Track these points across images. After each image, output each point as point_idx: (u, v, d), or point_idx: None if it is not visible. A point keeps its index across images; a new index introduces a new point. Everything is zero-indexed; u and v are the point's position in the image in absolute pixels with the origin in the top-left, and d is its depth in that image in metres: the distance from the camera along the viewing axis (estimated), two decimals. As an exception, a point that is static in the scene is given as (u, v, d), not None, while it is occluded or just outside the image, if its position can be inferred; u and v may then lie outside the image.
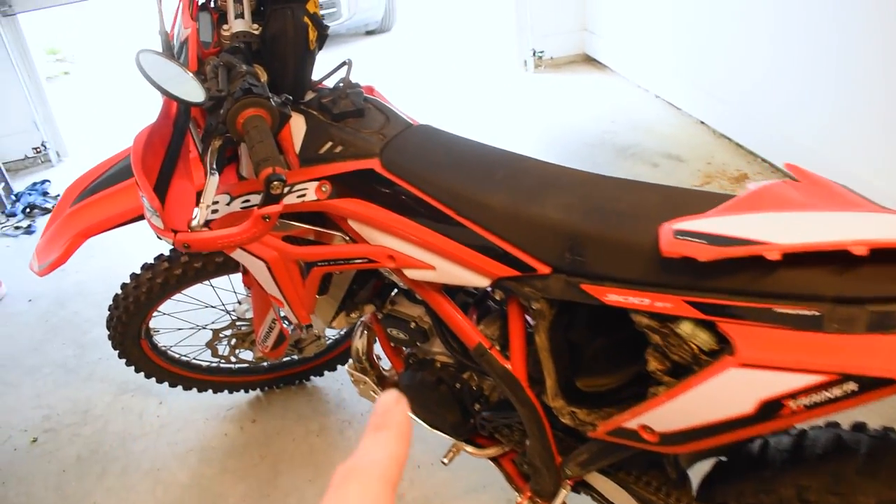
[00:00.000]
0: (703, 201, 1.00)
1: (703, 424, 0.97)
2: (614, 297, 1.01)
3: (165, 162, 1.09)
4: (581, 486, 1.41)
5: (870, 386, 0.81)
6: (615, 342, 1.22)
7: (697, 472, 1.29)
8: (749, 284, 0.88)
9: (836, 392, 0.83)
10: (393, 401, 0.37)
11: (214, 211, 1.30)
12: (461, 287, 1.39)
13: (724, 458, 1.28)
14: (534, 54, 4.85)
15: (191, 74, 1.01)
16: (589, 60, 4.97)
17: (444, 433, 1.53)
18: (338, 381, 2.37)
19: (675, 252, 0.89)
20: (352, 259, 1.27)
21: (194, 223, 1.04)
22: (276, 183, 0.93)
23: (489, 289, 1.23)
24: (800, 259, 0.83)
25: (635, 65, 4.48)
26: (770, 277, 0.87)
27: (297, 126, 1.29)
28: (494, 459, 1.54)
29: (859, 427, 1.12)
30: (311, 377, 2.36)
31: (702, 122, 3.91)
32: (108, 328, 1.97)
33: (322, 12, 4.81)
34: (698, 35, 3.81)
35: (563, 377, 1.21)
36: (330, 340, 2.21)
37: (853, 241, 0.80)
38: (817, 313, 0.84)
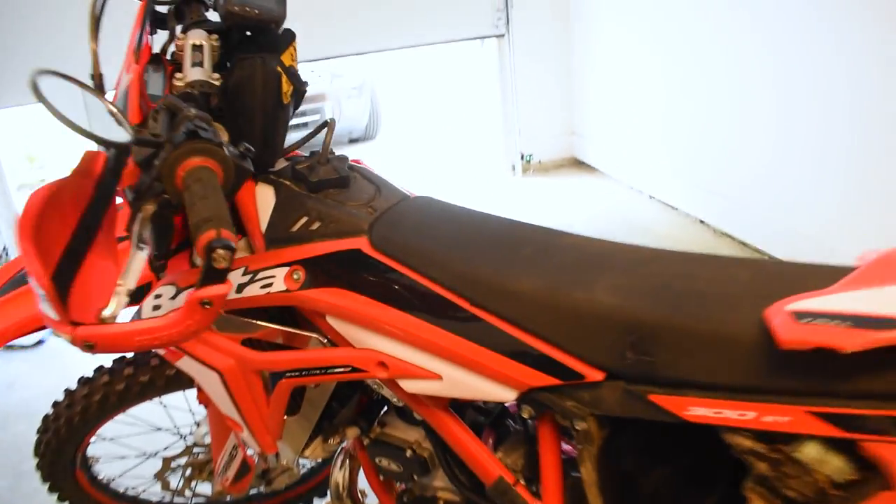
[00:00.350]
0: (811, 277, 0.74)
1: None
2: (700, 410, 0.72)
3: (78, 233, 0.82)
4: None
5: None
6: (687, 466, 0.92)
7: None
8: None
9: None
10: None
11: (157, 307, 1.01)
12: (472, 403, 1.10)
13: None
14: (522, 158, 4.77)
15: (114, 108, 0.75)
16: (578, 164, 4.89)
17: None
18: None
19: (802, 341, 0.62)
20: (331, 368, 0.99)
21: (106, 313, 0.75)
22: (220, 252, 0.66)
23: (514, 404, 0.94)
24: None
25: (626, 166, 4.40)
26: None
27: (265, 199, 1.03)
28: None
29: None
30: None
31: (701, 221, 3.78)
32: (36, 455, 1.65)
33: (306, 119, 4.65)
34: (691, 132, 3.75)
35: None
36: (305, 469, 1.88)
37: None
38: None
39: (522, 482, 0.98)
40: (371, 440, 1.19)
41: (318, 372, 1.01)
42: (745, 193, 3.42)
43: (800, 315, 0.64)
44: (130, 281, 0.76)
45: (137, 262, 0.77)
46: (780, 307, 0.67)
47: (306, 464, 1.89)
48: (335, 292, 0.96)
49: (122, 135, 0.74)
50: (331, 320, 0.99)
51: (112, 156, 0.83)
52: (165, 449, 1.79)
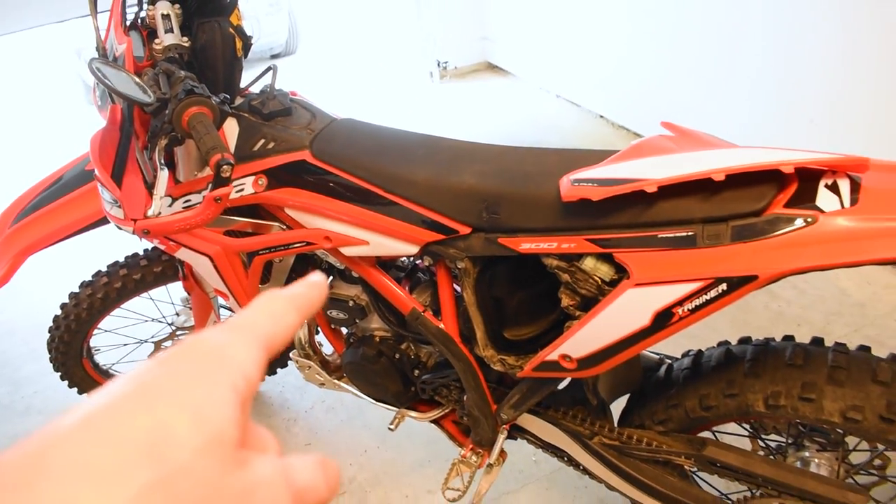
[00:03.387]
0: (593, 157, 1.17)
1: (611, 343, 1.14)
2: (527, 245, 1.16)
3: (116, 163, 1.19)
4: (516, 431, 1.56)
5: (737, 284, 0.99)
6: (534, 294, 1.37)
7: (617, 408, 1.47)
8: (636, 217, 1.05)
9: (712, 294, 1.01)
10: (319, 276, 0.42)
11: (158, 213, 1.40)
12: (393, 263, 1.52)
13: (636, 390, 1.45)
14: (438, 65, 5.04)
15: (137, 79, 1.11)
16: (492, 68, 5.20)
17: (389, 403, 1.66)
18: (279, 385, 2.46)
19: (573, 196, 1.06)
20: (291, 244, 1.39)
21: (150, 212, 1.14)
22: (225, 167, 1.05)
23: (418, 258, 1.36)
24: (673, 191, 1.01)
25: (535, 68, 4.72)
26: (652, 209, 1.04)
27: (230, 128, 1.41)
28: (436, 422, 1.68)
29: (745, 340, 1.31)
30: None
31: (601, 116, 4.17)
32: (49, 350, 2.00)
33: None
34: (591, 35, 4.06)
35: (490, 329, 1.35)
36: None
37: (713, 170, 0.98)
38: (691, 233, 1.01)
39: (429, 311, 1.42)
40: (323, 299, 1.61)
41: (281, 248, 1.41)
42: (637, 90, 3.79)
43: (574, 181, 1.08)
44: (161, 190, 1.14)
45: (163, 178, 1.15)
46: (567, 176, 1.10)
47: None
48: (290, 191, 1.36)
49: (145, 95, 1.10)
50: (288, 211, 1.39)
51: (126, 108, 1.19)
52: (154, 336, 2.17)
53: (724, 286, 1.00)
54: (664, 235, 1.03)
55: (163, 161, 1.16)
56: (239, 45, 1.41)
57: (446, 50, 5.05)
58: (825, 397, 1.15)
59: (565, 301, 1.19)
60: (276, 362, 2.35)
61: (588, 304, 1.18)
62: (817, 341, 1.25)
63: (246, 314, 0.37)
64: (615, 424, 1.42)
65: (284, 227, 1.43)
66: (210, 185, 1.10)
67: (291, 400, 2.39)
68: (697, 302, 1.03)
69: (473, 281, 1.29)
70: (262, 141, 1.37)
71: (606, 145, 3.85)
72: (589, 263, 1.13)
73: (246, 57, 1.47)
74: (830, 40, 2.62)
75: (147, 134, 1.17)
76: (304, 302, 0.40)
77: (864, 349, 1.22)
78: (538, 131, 4.15)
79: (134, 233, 1.16)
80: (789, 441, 1.42)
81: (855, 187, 0.97)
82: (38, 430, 0.27)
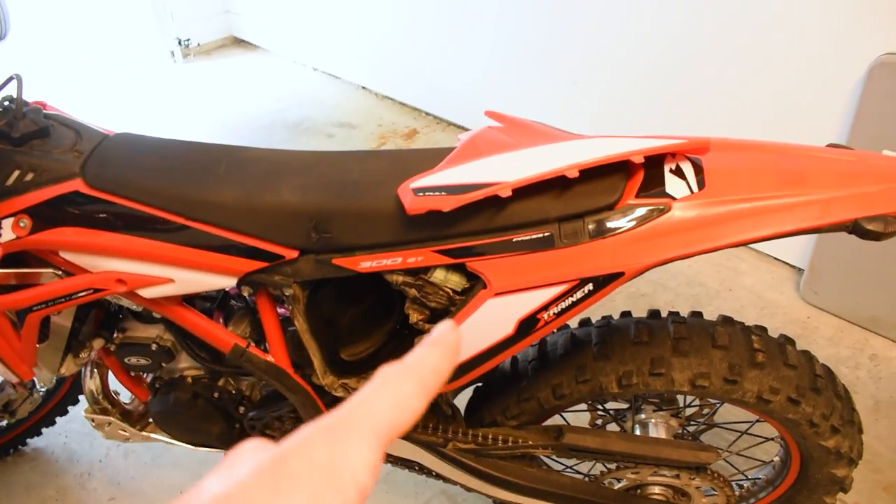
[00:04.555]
0: (426, 159, 1.08)
1: (474, 355, 1.07)
2: (367, 263, 1.05)
3: None
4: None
5: (603, 282, 0.96)
6: (366, 306, 1.26)
7: (461, 402, 1.41)
8: (487, 223, 0.98)
9: (579, 295, 0.97)
10: (449, 327, 0.38)
11: None
12: (198, 294, 1.33)
13: (480, 384, 1.41)
14: (179, 43, 4.62)
15: None
16: (239, 42, 4.86)
17: (213, 447, 1.47)
18: (61, 435, 2.11)
19: (420, 208, 0.95)
20: (74, 294, 1.15)
21: None
22: None
23: (234, 287, 1.19)
24: (525, 191, 0.94)
25: (287, 41, 4.49)
26: (504, 213, 0.97)
27: (-33, 159, 1.12)
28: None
29: (585, 322, 1.30)
30: (27, 441, 2.06)
31: (363, 87, 4.07)
32: None
33: None
34: (347, 5, 3.90)
35: (327, 354, 1.22)
36: (42, 392, 1.94)
37: (566, 166, 0.92)
38: (548, 234, 0.96)
39: (253, 344, 1.25)
40: (116, 345, 1.37)
41: (62, 300, 1.16)
42: (399, 59, 3.73)
43: (416, 190, 0.97)
44: None
45: None
46: (406, 186, 0.99)
47: (41, 389, 1.95)
48: (63, 231, 1.11)
49: None
50: (64, 255, 1.14)
51: None
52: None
53: (590, 286, 0.96)
54: (519, 239, 0.97)
55: None
56: None
57: (186, 26, 4.63)
58: (673, 369, 1.17)
59: (414, 317, 1.10)
60: (39, 423, 2.01)
61: (438, 315, 1.10)
62: (654, 314, 1.27)
63: (364, 400, 0.33)
64: (465, 427, 1.36)
65: (60, 273, 1.17)
66: None
67: (80, 451, 2.05)
68: (563, 305, 0.98)
69: (303, 307, 1.15)
70: (17, 172, 1.10)
71: (372, 117, 3.78)
72: (439, 275, 1.05)
73: None
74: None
75: None
76: (435, 378, 0.35)
77: (697, 315, 1.26)
78: (301, 108, 3.96)
79: None
80: (627, 407, 1.46)
81: (698, 169, 0.97)
82: None
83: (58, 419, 2.03)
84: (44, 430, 2.05)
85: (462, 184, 0.96)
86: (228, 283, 1.13)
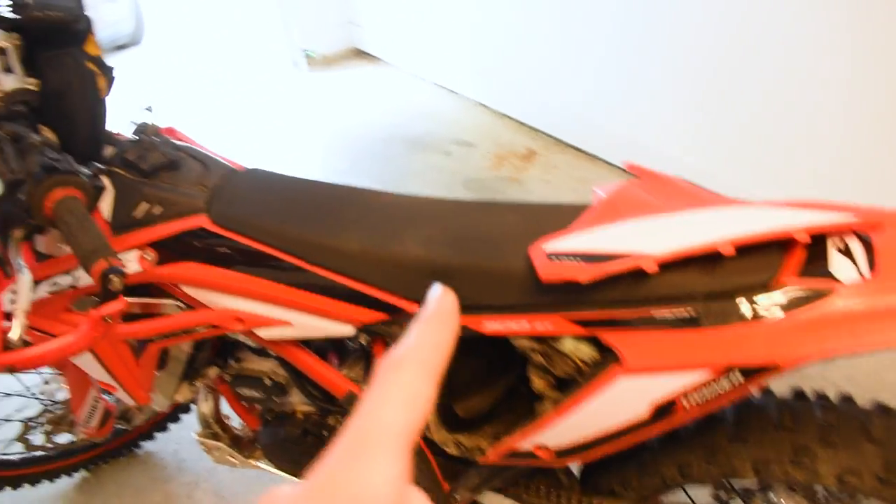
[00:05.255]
0: (560, 215, 1.01)
1: (600, 435, 0.99)
2: (492, 325, 0.99)
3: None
4: (470, 507, 1.40)
5: (754, 373, 0.86)
6: (486, 360, 1.20)
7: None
8: (626, 294, 0.90)
9: (725, 385, 0.87)
10: (441, 293, 0.37)
11: (13, 301, 1.11)
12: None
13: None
14: (304, 54, 4.73)
15: None
16: (361, 54, 4.94)
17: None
18: (172, 442, 2.17)
19: (554, 277, 0.89)
20: (192, 329, 1.15)
21: (12, 336, 0.87)
22: (113, 278, 0.80)
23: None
24: (671, 262, 0.86)
25: (408, 54, 4.51)
26: (645, 285, 0.89)
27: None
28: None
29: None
30: (141, 444, 2.13)
31: (482, 104, 4.03)
32: None
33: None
34: (467, 17, 3.89)
35: (441, 407, 1.18)
36: (157, 401, 2.00)
37: (719, 241, 0.84)
38: (693, 312, 0.87)
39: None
40: (231, 376, 1.37)
41: (181, 333, 1.16)
42: (519, 77, 3.66)
43: (550, 254, 0.91)
44: (23, 302, 0.87)
45: (25, 284, 0.87)
46: (538, 247, 0.93)
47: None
48: (186, 266, 1.11)
49: None
50: (186, 289, 1.14)
51: None
52: (20, 411, 1.84)
53: (738, 376, 0.87)
54: (661, 315, 0.89)
55: (21, 260, 0.88)
56: (101, 82, 1.13)
57: (311, 37, 4.74)
58: (819, 461, 1.05)
59: (538, 384, 1.04)
60: (152, 428, 2.07)
61: (563, 383, 1.03)
62: (800, 395, 1.15)
63: (371, 409, 0.31)
64: (581, 495, 1.28)
65: (182, 305, 1.17)
66: (99, 298, 0.85)
67: (189, 461, 2.10)
68: (706, 393, 0.89)
69: (421, 359, 1.10)
70: (146, 205, 1.11)
71: (490, 135, 3.74)
72: (568, 345, 0.98)
73: (108, 93, 1.19)
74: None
75: None
76: (438, 355, 0.34)
77: (849, 401, 1.13)
78: (419, 122, 3.97)
79: None
80: (757, 487, 1.34)
81: (869, 248, 0.86)
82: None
83: (171, 426, 2.09)
84: (157, 434, 2.12)
85: (601, 252, 0.88)
86: (346, 331, 1.09)
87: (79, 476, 2.09)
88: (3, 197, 0.86)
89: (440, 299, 0.37)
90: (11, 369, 0.89)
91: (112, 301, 0.84)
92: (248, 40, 5.63)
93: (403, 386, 0.32)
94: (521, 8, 3.47)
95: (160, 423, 2.07)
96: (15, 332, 0.87)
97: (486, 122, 3.90)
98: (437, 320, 0.35)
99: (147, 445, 2.15)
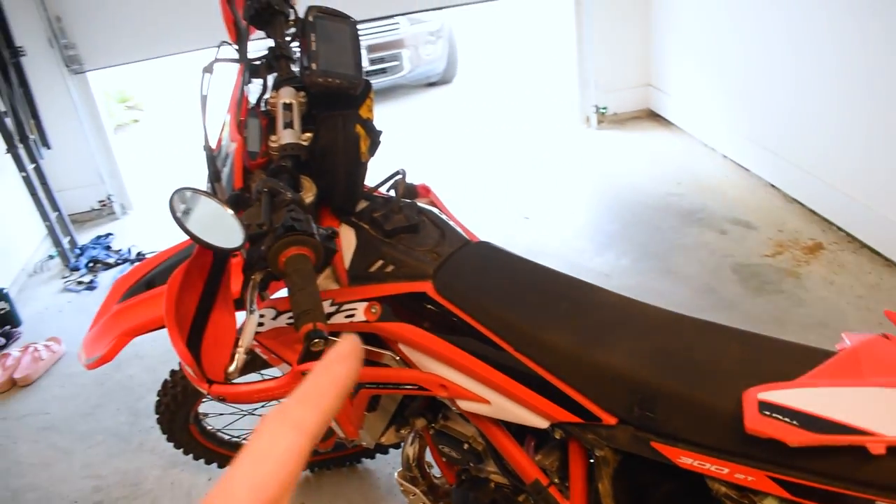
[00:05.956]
0: (788, 355, 0.90)
1: None
2: (688, 460, 0.91)
3: (204, 297, 1.04)
4: None
5: None
6: (681, 488, 1.11)
7: None
8: (847, 471, 0.78)
9: None
10: (343, 339, 0.40)
11: (260, 324, 1.24)
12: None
13: None
14: (596, 110, 4.76)
15: (230, 212, 0.94)
16: (653, 117, 4.85)
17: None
18: (390, 465, 2.29)
19: (760, 432, 0.79)
20: (401, 384, 1.20)
21: (230, 369, 0.97)
22: (317, 341, 0.86)
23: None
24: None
25: (702, 123, 4.34)
26: (869, 466, 0.76)
27: (348, 240, 1.24)
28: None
29: None
30: (363, 459, 2.28)
31: (772, 186, 3.74)
32: (157, 412, 1.93)
33: (384, 66, 4.80)
34: (769, 94, 3.66)
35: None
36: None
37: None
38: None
39: (556, 482, 1.18)
40: (435, 430, 1.42)
41: (390, 386, 1.22)
42: (817, 163, 3.34)
43: (764, 406, 0.81)
44: (246, 342, 0.97)
45: (251, 325, 0.98)
46: (752, 393, 0.83)
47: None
48: (404, 327, 1.16)
49: (235, 236, 0.93)
50: (401, 346, 1.20)
51: (219, 253, 1.03)
52: (263, 406, 2.06)
53: None
54: (887, 505, 0.75)
55: (254, 304, 0.99)
56: (364, 146, 1.23)
57: (606, 94, 4.75)
58: None
59: (730, 534, 0.93)
60: (375, 448, 2.18)
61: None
62: None
63: (243, 465, 0.33)
64: None
65: (398, 359, 1.24)
66: (300, 355, 0.92)
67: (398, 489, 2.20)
68: None
69: (613, 471, 1.05)
70: (381, 262, 1.19)
71: (774, 219, 3.45)
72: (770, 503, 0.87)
73: (372, 155, 1.29)
74: None
75: (244, 263, 1.00)
76: (329, 399, 0.37)
77: None
78: (699, 195, 3.78)
79: (209, 395, 1.00)
80: None
81: None
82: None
83: (391, 450, 2.19)
84: (377, 455, 2.25)
85: (822, 416, 0.77)
86: (539, 423, 1.07)
87: (303, 474, 2.28)
88: (249, 239, 0.97)
89: (339, 345, 0.39)
90: (222, 400, 1.00)
91: (313, 360, 0.91)
92: (545, 90, 5.81)
93: (279, 444, 0.33)
94: (835, 88, 3.16)
95: (382, 446, 2.19)
96: (233, 366, 0.97)
97: (774, 205, 3.61)
98: (335, 363, 0.38)
99: (367, 462, 2.29)
